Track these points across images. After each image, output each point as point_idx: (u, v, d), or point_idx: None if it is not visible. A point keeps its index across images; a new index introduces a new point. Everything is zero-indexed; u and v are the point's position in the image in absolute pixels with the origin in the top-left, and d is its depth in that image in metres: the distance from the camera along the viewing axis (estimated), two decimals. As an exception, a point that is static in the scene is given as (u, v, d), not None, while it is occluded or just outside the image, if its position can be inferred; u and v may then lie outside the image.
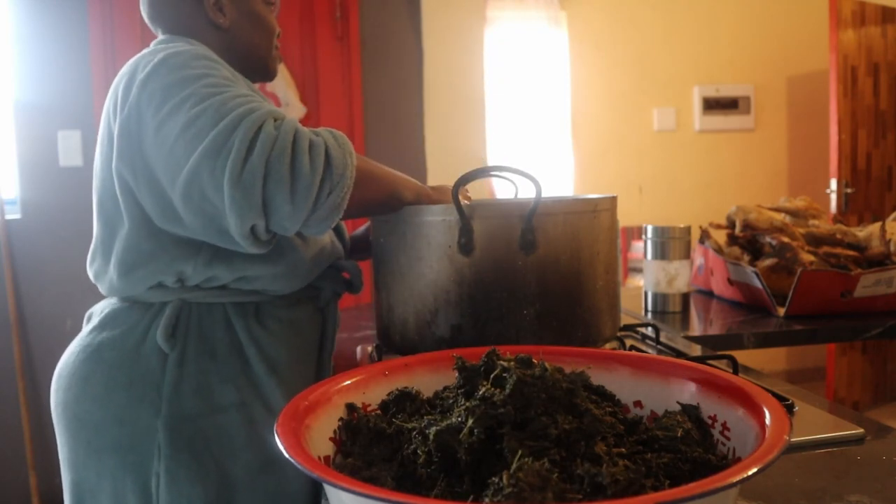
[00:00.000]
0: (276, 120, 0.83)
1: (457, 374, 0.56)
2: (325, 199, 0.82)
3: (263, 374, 0.98)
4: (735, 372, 0.93)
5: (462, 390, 0.56)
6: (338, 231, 1.15)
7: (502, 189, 3.06)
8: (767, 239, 1.60)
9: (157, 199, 0.89)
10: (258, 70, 1.09)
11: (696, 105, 3.63)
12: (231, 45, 1.04)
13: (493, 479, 0.43)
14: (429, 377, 0.65)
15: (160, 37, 1.03)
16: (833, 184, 3.41)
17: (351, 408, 0.59)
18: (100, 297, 1.08)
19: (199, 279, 0.96)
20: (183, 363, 0.95)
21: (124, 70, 0.95)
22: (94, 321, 1.01)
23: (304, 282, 1.04)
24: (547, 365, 0.52)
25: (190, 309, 0.98)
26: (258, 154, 0.79)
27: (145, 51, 0.97)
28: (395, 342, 0.98)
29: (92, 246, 1.02)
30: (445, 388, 0.60)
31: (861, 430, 0.77)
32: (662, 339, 1.17)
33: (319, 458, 0.52)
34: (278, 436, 0.48)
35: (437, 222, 0.90)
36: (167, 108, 0.84)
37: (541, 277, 0.89)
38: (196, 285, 0.98)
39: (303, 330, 1.05)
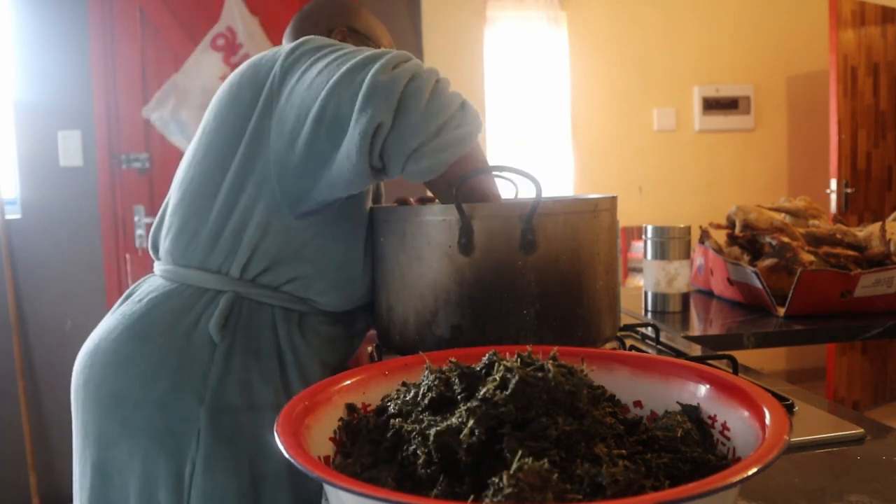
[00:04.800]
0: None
1: (456, 381, 0.56)
2: (451, 129, 0.85)
3: (295, 381, 0.99)
4: (735, 372, 0.93)
5: (462, 395, 0.56)
6: None
7: (502, 189, 3.06)
8: (767, 239, 1.60)
9: (286, 151, 0.93)
10: None
11: (696, 105, 3.63)
12: None
13: (493, 479, 0.43)
14: (429, 377, 0.65)
15: None
16: (833, 184, 3.41)
17: (351, 408, 0.59)
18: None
19: (260, 268, 0.98)
20: (230, 356, 0.96)
21: (258, 58, 1.00)
22: (141, 300, 1.01)
23: (351, 304, 1.06)
24: (550, 366, 0.52)
25: (241, 305, 0.99)
26: (409, 65, 0.85)
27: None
28: (395, 342, 0.98)
29: (174, 203, 1.04)
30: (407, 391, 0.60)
31: (861, 430, 0.77)
32: (662, 339, 1.17)
33: (319, 458, 0.52)
34: (278, 436, 0.48)
35: (437, 222, 0.90)
36: (315, 57, 0.92)
37: (541, 277, 0.89)
38: (252, 279, 0.99)
39: (334, 348, 1.07)
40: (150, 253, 1.11)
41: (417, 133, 0.83)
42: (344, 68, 0.86)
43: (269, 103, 0.95)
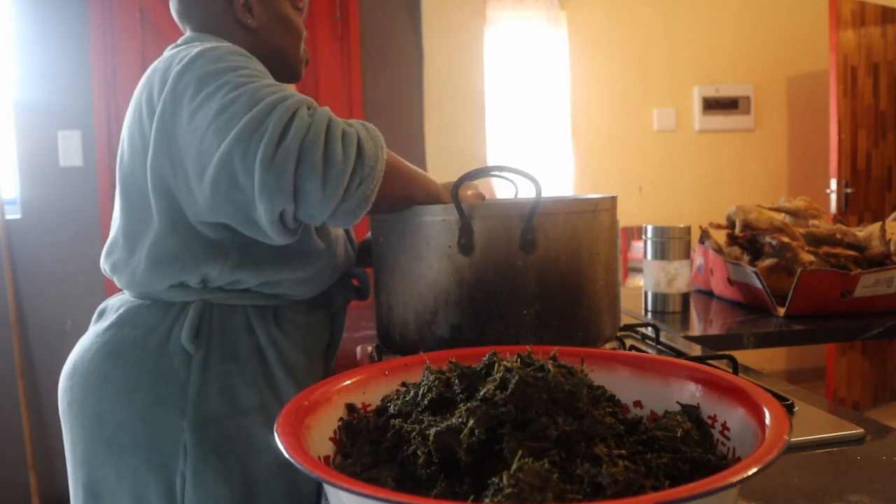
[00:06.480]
0: (309, 108, 0.84)
1: (456, 381, 0.56)
2: (354, 189, 0.82)
3: (282, 378, 0.98)
4: (735, 372, 0.93)
5: (463, 395, 0.56)
6: (348, 238, 1.16)
7: (502, 189, 3.06)
8: (767, 239, 1.60)
9: (192, 192, 0.89)
10: (285, 71, 1.09)
11: (696, 105, 3.63)
12: (258, 46, 1.04)
13: (494, 479, 0.43)
14: (429, 377, 0.65)
15: (187, 34, 1.02)
16: (833, 184, 3.41)
17: (351, 408, 0.59)
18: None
19: (224, 282, 0.96)
20: (207, 365, 0.94)
21: (157, 65, 0.95)
22: (111, 318, 1.00)
23: (323, 288, 1.05)
24: (550, 366, 0.52)
25: (212, 310, 0.97)
26: (292, 138, 0.79)
27: (179, 46, 0.97)
28: (395, 342, 0.98)
29: (111, 238, 1.01)
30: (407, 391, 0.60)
31: (861, 430, 0.77)
32: (662, 339, 1.17)
33: (319, 458, 0.52)
34: (278, 436, 0.48)
35: (436, 222, 0.90)
36: (201, 97, 0.85)
37: (541, 277, 0.89)
38: (219, 287, 0.97)
39: (316, 334, 1.06)
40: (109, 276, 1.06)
41: (323, 208, 0.81)
42: (231, 136, 0.80)
43: (162, 141, 0.90)
